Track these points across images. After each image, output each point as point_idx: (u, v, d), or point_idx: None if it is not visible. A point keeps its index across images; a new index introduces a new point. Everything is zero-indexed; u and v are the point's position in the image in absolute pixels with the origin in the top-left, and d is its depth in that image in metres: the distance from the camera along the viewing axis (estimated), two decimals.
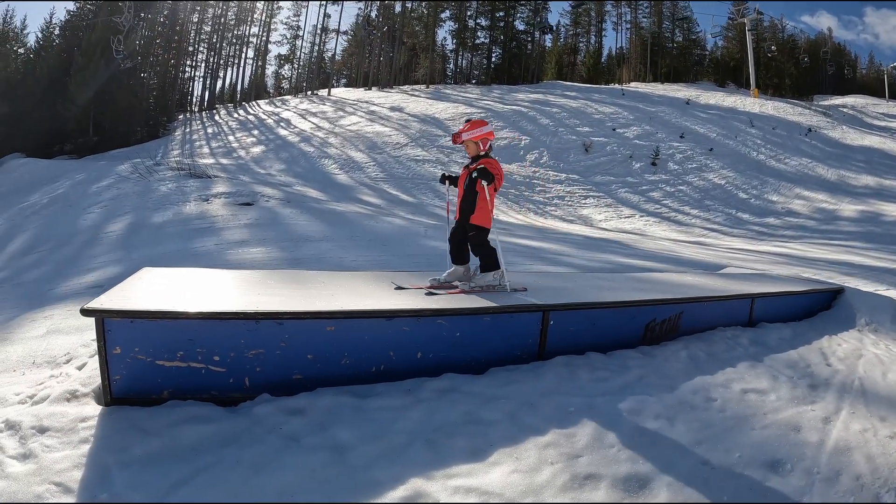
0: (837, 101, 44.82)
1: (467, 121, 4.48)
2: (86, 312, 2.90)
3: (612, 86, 47.48)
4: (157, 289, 3.58)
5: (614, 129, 34.03)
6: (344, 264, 7.68)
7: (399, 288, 4.08)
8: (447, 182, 4.66)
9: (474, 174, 4.25)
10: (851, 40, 71.29)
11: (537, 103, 38.30)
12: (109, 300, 3.11)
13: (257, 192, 14.73)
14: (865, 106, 42.67)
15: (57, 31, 39.99)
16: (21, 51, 39.84)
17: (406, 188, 24.11)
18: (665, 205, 26.07)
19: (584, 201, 26.38)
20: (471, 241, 4.37)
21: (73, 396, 3.13)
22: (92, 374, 3.42)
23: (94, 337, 4.37)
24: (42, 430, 2.81)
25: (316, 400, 3.14)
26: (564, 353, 3.94)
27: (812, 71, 47.86)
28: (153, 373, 2.99)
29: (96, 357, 3.89)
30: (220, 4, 47.45)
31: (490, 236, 4.41)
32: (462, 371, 3.58)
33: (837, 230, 21.97)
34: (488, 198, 4.27)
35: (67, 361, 4.07)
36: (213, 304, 3.28)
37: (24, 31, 40.47)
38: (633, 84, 48.39)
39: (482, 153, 4.41)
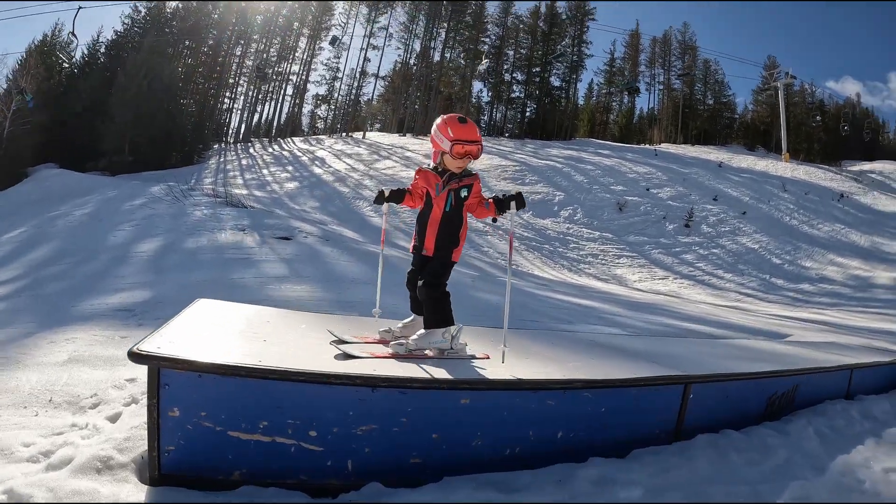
0: (866, 166, 44.67)
1: (461, 119, 3.12)
2: (137, 357, 2.08)
3: (643, 146, 47.46)
4: (224, 330, 2.78)
5: (648, 189, 33.85)
6: (401, 312, 6.84)
7: (339, 343, 2.95)
8: (385, 202, 3.33)
9: (464, 190, 3.10)
10: (877, 106, 70.81)
11: (571, 159, 38.32)
12: (169, 342, 2.28)
13: (294, 227, 14.15)
14: (893, 172, 42.37)
15: (103, 50, 40.83)
16: (66, 65, 40.52)
17: None
18: (699, 268, 25.63)
19: (617, 261, 25.85)
20: (426, 280, 3.06)
21: (105, 466, 2.28)
22: (130, 434, 2.57)
23: (129, 376, 3.67)
24: None
25: (450, 493, 2.33)
26: (700, 430, 3.40)
27: (840, 136, 47.66)
28: (223, 446, 2.15)
29: (133, 407, 3.10)
30: (263, 40, 48.36)
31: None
32: (604, 454, 2.89)
33: (873, 298, 21.73)
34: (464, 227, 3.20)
35: (95, 406, 3.25)
36: (303, 356, 2.47)
37: (71, 46, 41.30)
38: (663, 145, 48.56)
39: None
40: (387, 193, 3.31)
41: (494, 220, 3.25)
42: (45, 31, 40.76)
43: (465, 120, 3.12)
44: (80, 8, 33.94)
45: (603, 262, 25.49)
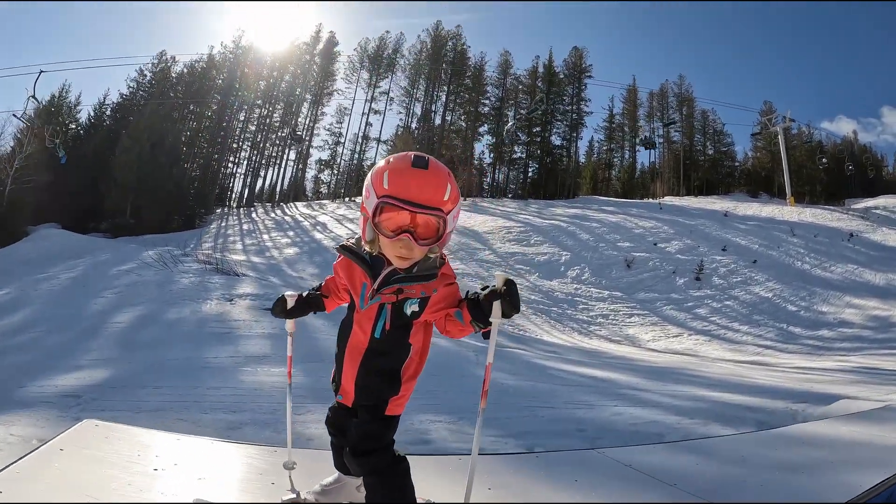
0: (870, 203, 44.42)
1: (417, 162, 1.70)
2: None
3: (647, 200, 47.33)
4: (71, 491, 1.87)
5: (655, 244, 33.16)
6: None
7: None
8: (287, 317, 2.17)
9: (412, 304, 1.80)
10: (873, 142, 71.09)
11: (576, 218, 37.94)
12: None
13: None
14: None
15: (108, 112, 41.38)
16: (73, 126, 40.92)
17: None
18: (713, 322, 24.55)
19: (628, 320, 24.85)
20: (356, 449, 1.80)
21: None
22: None
23: None
24: None
25: None
26: None
27: (841, 175, 47.51)
28: None
29: None
30: (267, 105, 49.03)
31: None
32: None
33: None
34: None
35: None
36: None
37: (78, 107, 41.85)
38: (667, 198, 48.44)
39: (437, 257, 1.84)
40: (290, 303, 2.12)
41: (486, 336, 1.79)
42: (52, 92, 41.67)
43: (426, 163, 1.70)
44: (42, 72, 34.19)
45: (614, 322, 24.49)
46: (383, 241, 1.75)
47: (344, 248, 1.90)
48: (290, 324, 2.22)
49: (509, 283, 1.67)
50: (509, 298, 1.66)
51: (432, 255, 1.78)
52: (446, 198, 1.69)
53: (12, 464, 1.99)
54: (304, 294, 2.14)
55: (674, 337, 22.62)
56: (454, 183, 1.73)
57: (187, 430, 4.63)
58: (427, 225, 1.70)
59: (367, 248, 1.82)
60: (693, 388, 9.80)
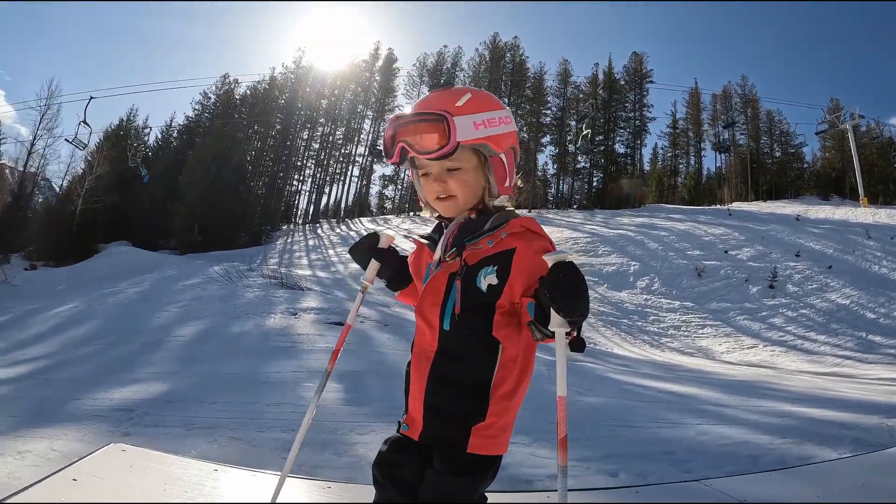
0: None
1: (442, 87, 1.36)
2: None
3: (715, 206, 45.56)
4: None
5: (726, 252, 31.63)
6: None
7: None
8: (380, 255, 1.72)
9: (487, 272, 1.29)
10: None
11: (644, 227, 36.93)
12: None
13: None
14: None
15: (175, 134, 43.28)
16: (142, 148, 42.87)
17: None
18: (789, 331, 22.87)
19: (701, 331, 23.62)
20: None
21: None
22: None
23: None
24: None
25: None
26: None
27: None
28: None
29: None
30: (329, 123, 49.93)
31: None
32: None
33: None
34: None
35: None
36: None
37: (146, 130, 43.95)
38: (735, 203, 46.50)
39: (505, 201, 1.38)
40: (383, 242, 1.70)
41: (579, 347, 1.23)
42: (120, 117, 43.95)
43: (448, 85, 1.44)
44: (91, 98, 35.39)
45: (686, 333, 23.34)
46: (427, 193, 1.36)
47: (417, 233, 1.53)
48: (371, 270, 1.69)
49: (556, 269, 1.10)
50: (556, 293, 1.08)
51: (497, 203, 1.33)
52: (459, 103, 1.24)
53: (8, 498, 1.65)
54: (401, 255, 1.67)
55: (748, 348, 21.36)
56: (486, 95, 1.29)
57: (241, 450, 4.32)
58: (429, 130, 1.25)
59: (426, 214, 1.44)
60: (778, 404, 8.95)
